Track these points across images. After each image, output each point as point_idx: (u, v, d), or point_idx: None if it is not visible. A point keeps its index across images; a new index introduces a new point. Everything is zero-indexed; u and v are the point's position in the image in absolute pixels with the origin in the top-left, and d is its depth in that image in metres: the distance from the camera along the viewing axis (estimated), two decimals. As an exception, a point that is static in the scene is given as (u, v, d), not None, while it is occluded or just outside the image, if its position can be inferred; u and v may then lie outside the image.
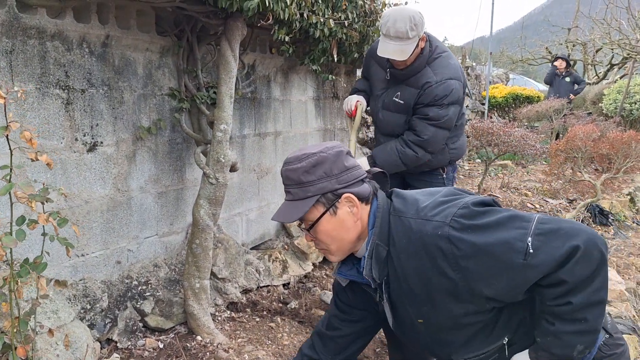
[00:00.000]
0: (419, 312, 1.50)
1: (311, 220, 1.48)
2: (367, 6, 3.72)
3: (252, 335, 2.91)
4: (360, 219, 1.50)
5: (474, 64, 11.31)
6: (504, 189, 7.42)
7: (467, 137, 6.21)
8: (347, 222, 1.48)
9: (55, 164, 2.44)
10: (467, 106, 10.34)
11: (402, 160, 2.87)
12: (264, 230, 4.08)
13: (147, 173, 2.95)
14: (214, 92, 3.18)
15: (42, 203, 1.91)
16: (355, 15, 3.66)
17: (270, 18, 2.69)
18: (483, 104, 11.07)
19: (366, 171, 1.57)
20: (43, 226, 1.92)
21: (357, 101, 3.00)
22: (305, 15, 3.08)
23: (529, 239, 1.29)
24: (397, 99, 2.84)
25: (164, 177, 3.07)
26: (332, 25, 3.29)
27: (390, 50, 2.59)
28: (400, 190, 1.59)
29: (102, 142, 2.66)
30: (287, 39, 3.08)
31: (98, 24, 2.57)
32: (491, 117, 12.02)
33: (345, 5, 3.45)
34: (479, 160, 8.85)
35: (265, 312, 3.27)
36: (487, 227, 1.33)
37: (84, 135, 2.57)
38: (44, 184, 1.93)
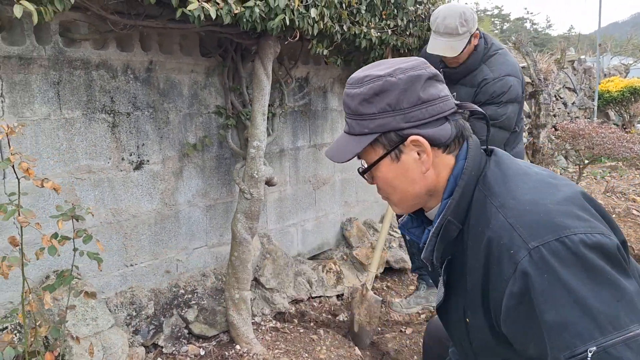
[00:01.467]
0: (467, 311, 1.22)
1: (368, 162, 1.17)
2: (420, 11, 3.59)
3: (290, 346, 2.95)
4: (432, 171, 1.14)
5: (582, 57, 10.38)
6: (607, 194, 6.74)
7: (557, 138, 5.74)
8: (412, 172, 1.13)
9: (103, 182, 2.67)
10: (573, 103, 9.52)
11: None
12: (322, 240, 4.10)
13: (194, 187, 3.12)
14: (260, 108, 3.27)
15: (76, 220, 2.11)
16: (406, 22, 3.55)
17: (298, 35, 2.71)
18: (595, 100, 10.12)
19: (457, 104, 1.16)
20: (73, 242, 2.12)
21: None
22: (345, 27, 3.06)
23: (593, 347, 0.88)
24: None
25: (212, 191, 3.22)
26: (375, 35, 3.22)
27: (440, 46, 2.52)
28: (505, 154, 1.19)
29: (148, 161, 2.86)
30: (325, 52, 3.09)
31: (141, 52, 2.77)
32: (608, 115, 10.97)
33: (386, 13, 3.36)
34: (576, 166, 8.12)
35: (312, 324, 3.30)
36: (568, 293, 0.91)
37: (130, 155, 2.78)
38: (72, 204, 2.14)
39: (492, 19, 43.02)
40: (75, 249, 2.12)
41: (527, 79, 7.41)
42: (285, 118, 3.67)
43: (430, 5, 3.67)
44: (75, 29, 2.51)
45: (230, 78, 3.21)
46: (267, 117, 3.32)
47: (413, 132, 1.09)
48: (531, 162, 7.28)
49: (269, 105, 3.33)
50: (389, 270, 4.20)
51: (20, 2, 1.87)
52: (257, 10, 2.42)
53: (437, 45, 2.55)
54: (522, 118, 3.03)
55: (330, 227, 4.16)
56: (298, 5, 2.56)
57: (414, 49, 3.89)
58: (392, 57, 3.74)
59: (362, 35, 3.22)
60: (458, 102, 1.18)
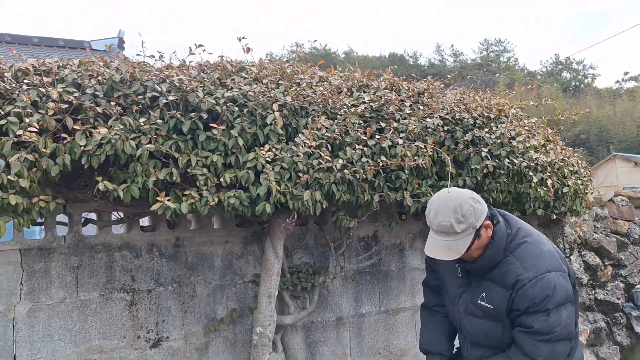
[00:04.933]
0: None
1: None
2: (489, 167, 2.99)
3: None
4: None
5: None
6: None
7: None
8: None
9: (114, 361, 2.72)
10: None
11: None
12: None
13: (222, 364, 2.97)
14: (298, 278, 3.06)
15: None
16: (477, 179, 3.02)
17: (295, 216, 2.49)
18: None
19: None
20: None
21: None
22: (376, 196, 2.73)
23: None
24: (483, 303, 2.12)
25: (244, 367, 3.02)
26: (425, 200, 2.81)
27: (437, 247, 1.97)
28: None
29: (167, 337, 2.84)
30: (353, 223, 2.77)
31: (167, 230, 2.86)
32: None
33: (447, 172, 2.91)
34: None
35: None
36: None
37: (148, 332, 2.80)
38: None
39: None
40: None
41: None
42: (345, 281, 3.35)
43: (510, 160, 3.07)
44: (98, 217, 2.72)
45: (270, 246, 3.09)
46: (305, 288, 3.08)
47: None
48: None
49: (312, 274, 3.11)
50: None
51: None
52: (232, 200, 2.30)
53: (433, 246, 1.99)
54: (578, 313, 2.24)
55: (409, 408, 3.52)
56: (286, 189, 2.37)
57: (505, 202, 3.27)
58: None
59: (405, 200, 2.82)
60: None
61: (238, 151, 2.38)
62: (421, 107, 2.89)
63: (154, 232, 2.83)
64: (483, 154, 2.90)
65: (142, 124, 2.26)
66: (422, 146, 2.66)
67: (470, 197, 2.00)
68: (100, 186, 2.18)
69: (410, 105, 2.92)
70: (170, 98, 2.27)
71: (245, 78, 2.55)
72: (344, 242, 3.25)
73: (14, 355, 2.52)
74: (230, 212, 2.39)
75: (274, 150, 2.38)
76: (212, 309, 2.96)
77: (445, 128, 2.91)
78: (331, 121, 2.59)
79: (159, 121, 2.29)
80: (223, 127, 2.34)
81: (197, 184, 2.31)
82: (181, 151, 2.32)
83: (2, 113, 2.12)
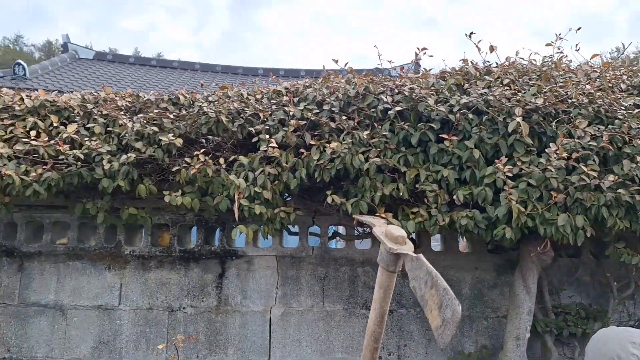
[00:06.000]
0: None
1: None
2: None
3: None
4: None
5: None
6: None
7: None
8: None
9: (354, 377, 2.69)
10: None
11: None
12: None
13: (468, 405, 2.63)
14: (564, 320, 2.50)
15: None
16: None
17: (548, 244, 2.01)
18: None
19: None
20: None
21: None
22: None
23: None
24: None
25: (494, 415, 2.61)
26: None
27: None
28: None
29: (408, 363, 2.67)
30: (635, 260, 2.09)
31: (409, 248, 2.71)
32: None
33: None
34: None
35: None
36: None
37: (389, 355, 2.69)
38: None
39: None
40: None
41: None
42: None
43: None
44: (345, 231, 2.77)
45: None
46: (574, 334, 2.49)
47: None
48: None
49: (584, 318, 2.52)
50: None
51: (239, 226, 2.33)
52: (465, 221, 2.00)
53: None
54: None
55: None
56: (534, 210, 1.94)
57: None
58: None
59: None
60: None
61: (474, 165, 2.07)
62: None
63: (397, 250, 2.72)
64: None
65: (367, 136, 2.18)
66: None
67: (630, 341, 1.31)
68: (329, 200, 2.18)
69: None
70: (398, 109, 2.13)
71: (489, 81, 2.21)
72: (631, 282, 2.51)
73: (269, 354, 2.74)
74: (463, 235, 2.09)
75: (519, 163, 1.99)
76: (458, 341, 2.66)
77: None
78: (601, 127, 2.02)
79: (388, 134, 2.17)
80: (457, 138, 2.07)
81: (426, 200, 2.09)
82: (410, 165, 2.15)
83: (254, 131, 2.34)
